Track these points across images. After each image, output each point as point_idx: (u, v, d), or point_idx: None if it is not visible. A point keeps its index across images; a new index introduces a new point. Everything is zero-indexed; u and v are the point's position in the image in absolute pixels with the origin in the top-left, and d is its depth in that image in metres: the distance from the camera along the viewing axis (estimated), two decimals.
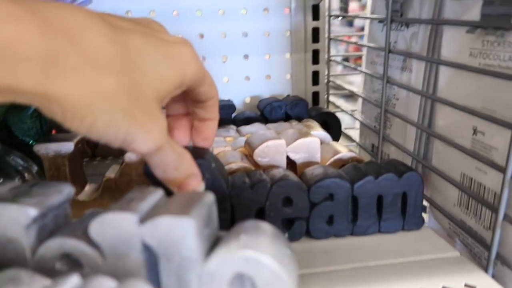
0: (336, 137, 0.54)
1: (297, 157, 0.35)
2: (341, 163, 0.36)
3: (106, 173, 0.38)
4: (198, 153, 0.28)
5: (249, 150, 0.36)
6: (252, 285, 0.21)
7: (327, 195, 0.29)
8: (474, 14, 0.32)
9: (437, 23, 0.36)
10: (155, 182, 0.25)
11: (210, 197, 0.23)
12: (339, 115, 0.55)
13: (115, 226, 0.21)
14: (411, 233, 0.32)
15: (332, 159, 0.35)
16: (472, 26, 0.30)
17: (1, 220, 0.23)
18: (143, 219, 0.21)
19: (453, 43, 0.34)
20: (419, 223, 0.32)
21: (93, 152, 0.54)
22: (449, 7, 0.35)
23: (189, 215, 0.21)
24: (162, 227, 0.21)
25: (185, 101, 0.28)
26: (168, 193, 0.24)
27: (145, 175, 0.27)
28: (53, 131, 0.53)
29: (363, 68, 0.51)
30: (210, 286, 0.21)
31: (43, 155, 0.36)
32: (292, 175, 0.30)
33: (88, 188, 0.40)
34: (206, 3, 0.56)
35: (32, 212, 0.23)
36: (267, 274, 0.20)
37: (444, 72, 0.36)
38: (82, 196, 0.38)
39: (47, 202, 0.24)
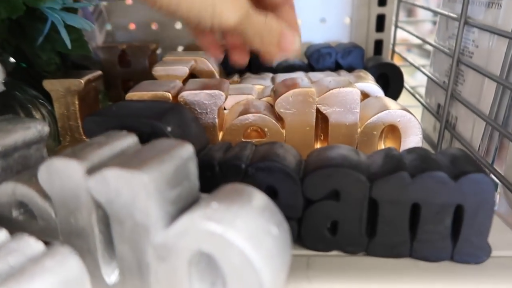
0: (396, 95, 0.45)
1: (330, 111, 0.29)
2: (384, 126, 0.29)
3: None
4: (158, 110, 0.22)
5: (273, 99, 0.30)
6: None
7: (329, 191, 0.21)
8: None
9: None
10: None
11: (188, 150, 0.18)
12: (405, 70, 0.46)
13: (62, 176, 0.17)
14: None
15: (373, 118, 0.28)
16: None
17: None
18: (92, 170, 0.17)
19: None
20: (480, 255, 0.21)
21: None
22: None
23: (143, 169, 0.16)
24: (110, 183, 0.16)
25: None
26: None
27: (86, 134, 0.22)
28: None
29: (438, 9, 0.41)
30: (167, 262, 0.16)
31: (52, 92, 0.33)
32: (288, 154, 0.22)
33: None
34: None
35: None
36: (235, 257, 0.15)
37: None
38: None
39: (8, 140, 0.21)
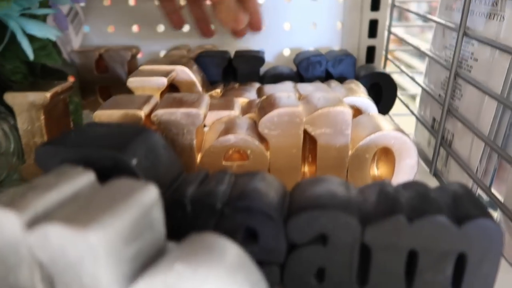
0: (388, 106, 0.43)
1: (318, 133, 0.26)
2: (377, 149, 0.26)
3: None
4: (124, 138, 0.19)
5: (258, 117, 0.28)
6: None
7: (316, 235, 0.18)
8: None
9: None
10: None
11: (151, 194, 0.16)
12: (399, 79, 0.44)
13: None
14: None
15: (365, 139, 0.26)
16: None
17: None
18: (34, 222, 0.14)
19: None
20: None
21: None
22: None
23: (91, 226, 0.13)
24: (53, 240, 0.13)
25: None
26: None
27: (38, 165, 0.19)
28: (71, 78, 0.48)
29: (434, 17, 0.38)
30: None
31: (15, 106, 0.30)
32: (271, 188, 0.19)
33: None
34: None
35: None
36: None
37: None
38: None
39: None
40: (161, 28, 0.49)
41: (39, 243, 0.14)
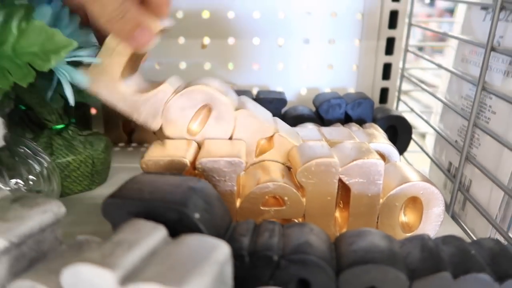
0: (404, 146, 0.45)
1: (352, 182, 0.28)
2: (407, 197, 0.28)
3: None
4: (183, 190, 0.21)
5: (293, 164, 0.29)
6: None
7: (366, 287, 0.19)
8: None
9: None
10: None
11: (225, 252, 0.17)
12: (410, 117, 0.46)
13: (92, 285, 0.16)
14: None
15: (396, 189, 0.27)
16: None
17: None
18: (126, 279, 0.15)
19: None
20: None
21: (129, 138, 0.49)
22: None
23: (183, 286, 0.14)
24: None
25: None
26: None
27: (104, 216, 0.21)
28: (93, 110, 0.50)
29: (449, 66, 0.41)
30: None
31: None
32: (320, 241, 0.21)
33: None
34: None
35: (1, 243, 0.18)
36: None
37: None
38: None
39: (23, 229, 0.19)
40: (183, 65, 0.51)
41: None
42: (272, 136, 0.30)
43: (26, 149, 0.31)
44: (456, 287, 0.19)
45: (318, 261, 0.20)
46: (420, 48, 0.86)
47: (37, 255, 0.20)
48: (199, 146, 0.30)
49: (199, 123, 0.30)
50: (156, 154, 0.28)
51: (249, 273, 0.20)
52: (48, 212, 0.20)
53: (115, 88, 0.28)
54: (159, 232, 0.18)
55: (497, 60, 0.33)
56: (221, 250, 0.17)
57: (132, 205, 0.21)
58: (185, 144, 0.30)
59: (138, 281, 0.15)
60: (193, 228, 0.20)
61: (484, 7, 0.35)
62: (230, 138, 0.30)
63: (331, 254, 0.21)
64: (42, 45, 0.26)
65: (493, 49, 0.31)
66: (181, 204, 0.20)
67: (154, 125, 0.29)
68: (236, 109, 0.30)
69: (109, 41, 0.27)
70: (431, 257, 0.20)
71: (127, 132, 0.49)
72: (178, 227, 0.20)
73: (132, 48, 0.26)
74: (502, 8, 0.30)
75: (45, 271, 0.18)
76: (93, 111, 0.50)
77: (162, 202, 0.20)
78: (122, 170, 0.41)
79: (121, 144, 0.50)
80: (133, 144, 0.50)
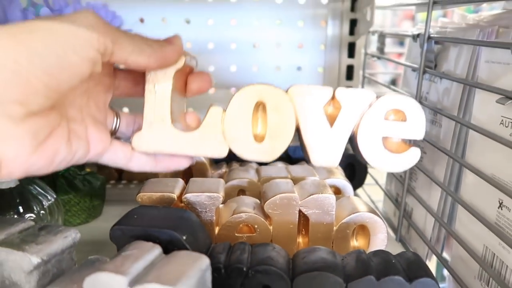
0: (360, 182, 0.52)
1: (310, 212, 0.34)
2: (355, 226, 0.35)
3: None
4: (173, 218, 0.27)
5: (262, 198, 0.36)
6: None
7: None
8: (508, 81, 0.30)
9: (467, 84, 0.34)
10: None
11: (205, 262, 0.23)
12: None
13: (107, 286, 0.21)
14: None
15: (346, 219, 0.34)
16: (503, 96, 0.28)
17: (7, 265, 0.24)
18: (134, 282, 0.21)
19: (485, 107, 0.32)
20: None
21: (119, 175, 0.55)
22: (483, 68, 0.33)
23: (178, 285, 0.20)
24: None
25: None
26: None
27: (112, 240, 0.27)
28: None
29: None
30: None
31: None
32: (280, 256, 0.27)
33: None
34: (240, 36, 0.57)
35: (34, 260, 0.24)
36: None
37: (474, 136, 0.34)
38: None
39: (50, 250, 0.25)
40: None
41: None
42: None
43: (36, 187, 0.37)
44: (379, 286, 0.25)
45: (277, 270, 0.26)
46: None
47: (57, 272, 0.26)
48: (186, 183, 0.36)
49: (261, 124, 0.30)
50: (149, 190, 0.34)
51: (225, 282, 0.26)
52: (68, 237, 0.26)
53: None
54: (156, 250, 0.24)
55: (425, 111, 0.41)
56: (203, 261, 0.23)
57: (133, 230, 0.27)
58: (173, 181, 0.36)
59: (143, 283, 0.21)
60: (181, 247, 0.26)
61: (414, 69, 0.44)
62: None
63: (288, 266, 0.27)
64: None
65: (420, 103, 0.39)
66: (172, 229, 0.26)
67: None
68: None
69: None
70: (362, 265, 0.26)
71: (118, 171, 0.55)
72: (170, 246, 0.26)
73: (163, 61, 0.25)
74: (424, 71, 0.39)
75: (68, 282, 0.24)
76: None
77: (157, 227, 0.26)
78: (115, 205, 0.47)
79: (112, 182, 0.55)
80: (123, 181, 0.55)
